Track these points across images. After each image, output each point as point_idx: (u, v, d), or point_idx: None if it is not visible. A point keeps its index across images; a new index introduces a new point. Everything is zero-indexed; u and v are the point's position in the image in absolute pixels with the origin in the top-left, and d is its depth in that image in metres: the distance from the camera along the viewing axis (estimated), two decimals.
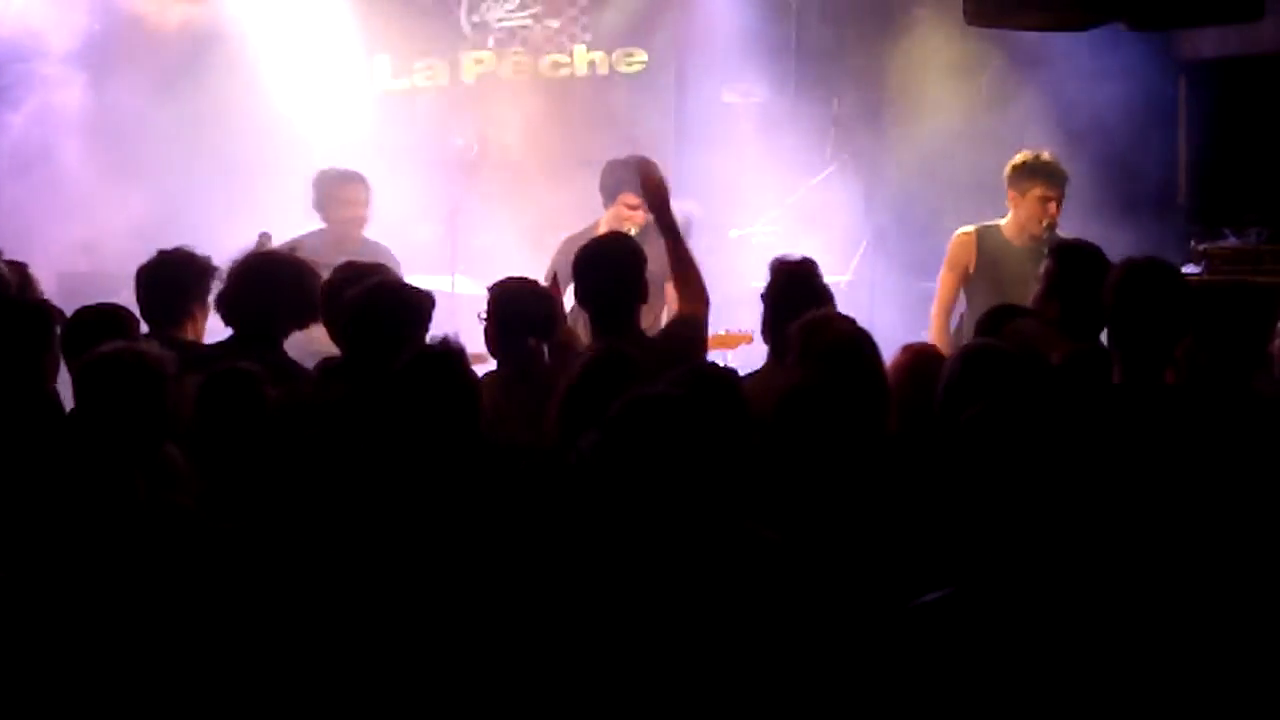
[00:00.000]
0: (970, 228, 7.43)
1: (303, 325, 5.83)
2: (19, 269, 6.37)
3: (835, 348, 4.88)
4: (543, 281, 6.11)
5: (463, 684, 3.61)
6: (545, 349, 5.56)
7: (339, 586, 3.72)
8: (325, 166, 8.04)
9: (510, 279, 5.73)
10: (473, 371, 4.68)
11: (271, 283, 5.69)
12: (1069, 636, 3.22)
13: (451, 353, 4.57)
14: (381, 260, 7.31)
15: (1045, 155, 7.35)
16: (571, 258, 5.79)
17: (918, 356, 5.12)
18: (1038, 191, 7.23)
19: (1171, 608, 3.46)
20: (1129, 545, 3.68)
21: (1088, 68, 9.38)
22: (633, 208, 7.57)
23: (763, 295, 5.69)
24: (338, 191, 7.86)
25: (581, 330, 5.97)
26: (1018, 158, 7.36)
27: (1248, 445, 4.37)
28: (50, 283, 6.61)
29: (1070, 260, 5.74)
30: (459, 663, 3.63)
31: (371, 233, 9.45)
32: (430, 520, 3.95)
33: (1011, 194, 7.33)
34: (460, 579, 3.73)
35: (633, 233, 7.23)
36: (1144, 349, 4.63)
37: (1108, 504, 3.52)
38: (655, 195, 5.94)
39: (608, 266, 5.62)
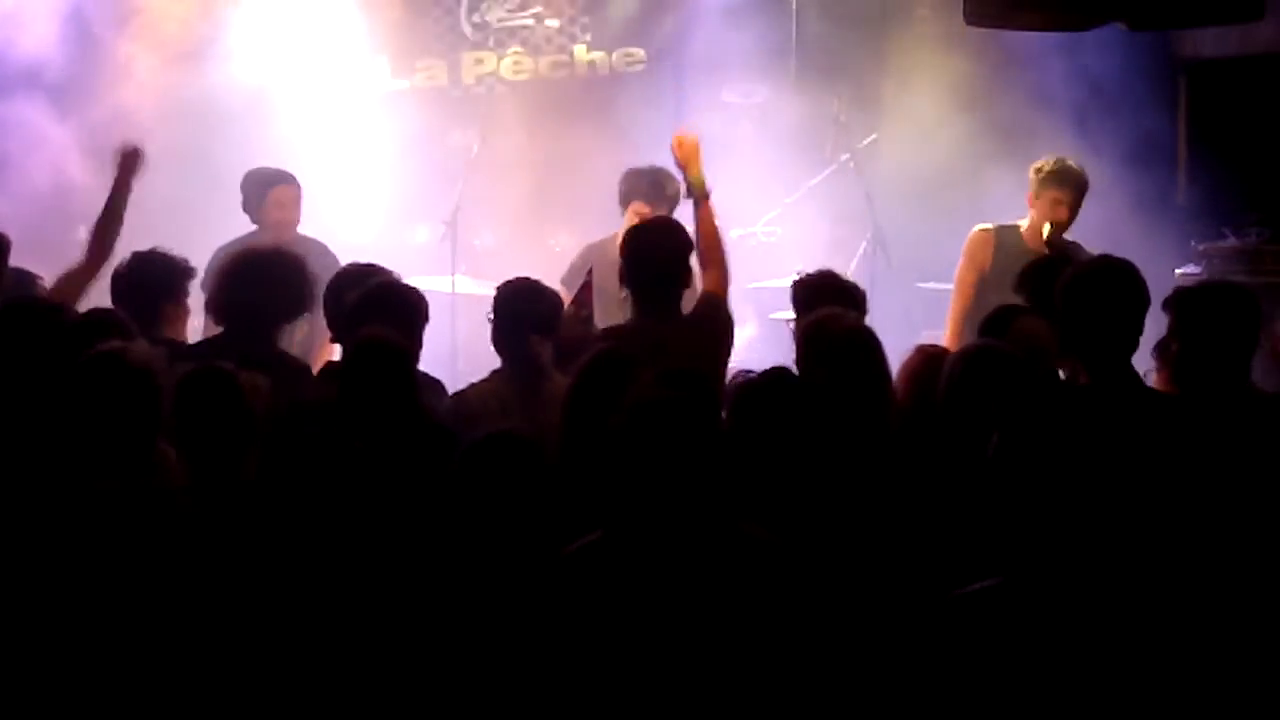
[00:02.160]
0: (989, 225, 7.36)
1: (294, 319, 5.85)
2: (30, 279, 6.39)
3: (837, 346, 4.86)
4: (558, 284, 6.18)
5: (456, 680, 3.61)
6: (548, 347, 5.59)
7: (335, 582, 3.73)
8: (254, 167, 7.90)
9: (515, 279, 5.78)
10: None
11: (261, 279, 5.69)
12: (1065, 637, 3.22)
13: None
14: (314, 259, 7.35)
15: (1070, 161, 7.33)
16: (590, 264, 5.84)
17: (930, 358, 5.12)
18: (1051, 195, 7.21)
19: (1169, 607, 3.46)
20: (1120, 546, 3.68)
21: (1087, 68, 9.38)
22: (643, 216, 7.55)
23: (792, 322, 5.73)
24: (266, 194, 7.71)
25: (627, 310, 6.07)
26: (1044, 162, 7.33)
27: (1248, 444, 4.37)
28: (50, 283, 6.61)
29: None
30: (451, 659, 3.63)
31: (372, 233, 9.46)
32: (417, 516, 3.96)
33: (1030, 195, 7.31)
34: (449, 576, 3.73)
35: None
36: (1099, 349, 4.59)
37: (1097, 504, 3.53)
38: (684, 152, 6.19)
39: (654, 251, 5.78)
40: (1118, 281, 4.65)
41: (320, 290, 5.84)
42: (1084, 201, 7.31)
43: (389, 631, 3.66)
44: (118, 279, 6.00)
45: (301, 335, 6.86)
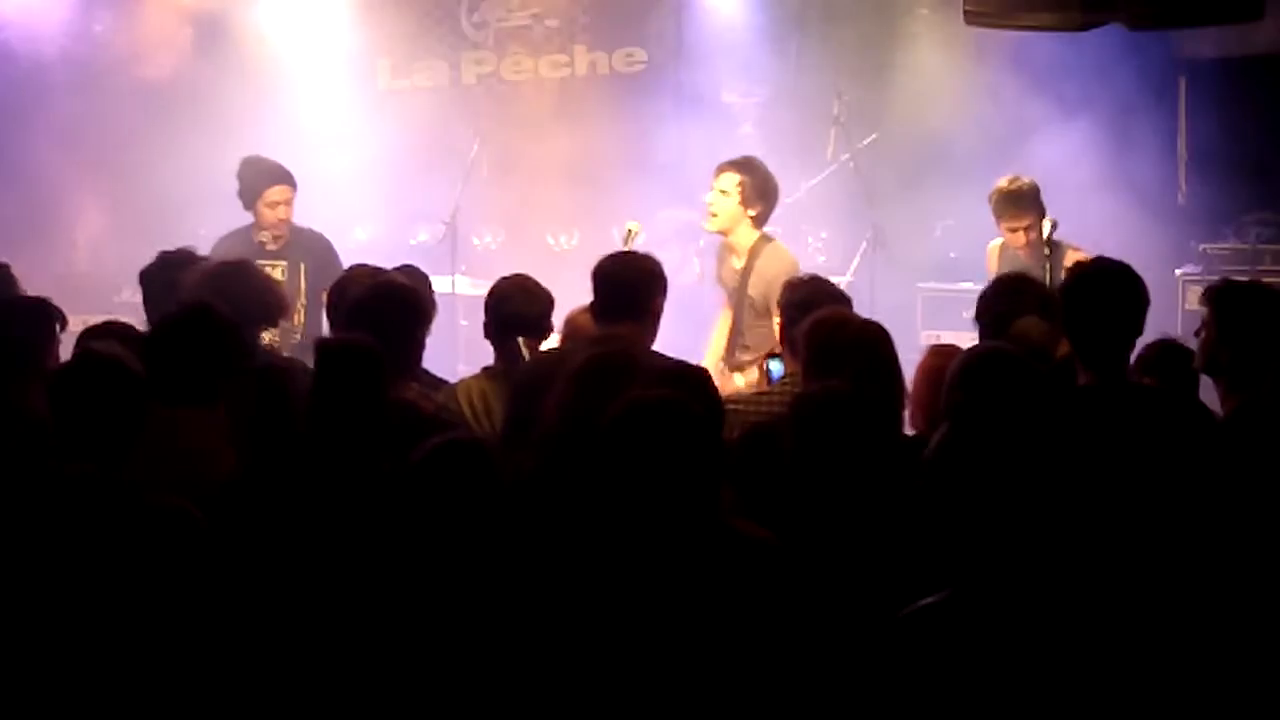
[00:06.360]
0: (997, 240, 7.36)
1: (268, 326, 5.81)
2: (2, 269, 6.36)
3: (850, 346, 4.82)
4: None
5: (454, 682, 3.61)
6: (532, 347, 5.54)
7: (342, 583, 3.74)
8: (250, 156, 7.76)
9: (509, 277, 5.75)
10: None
11: (231, 291, 5.59)
12: (1057, 639, 3.21)
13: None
14: (314, 250, 7.46)
15: (1008, 184, 7.19)
16: None
17: (944, 359, 5.09)
18: (1004, 225, 7.18)
19: (1166, 607, 3.46)
20: (1113, 546, 3.68)
21: (1088, 68, 9.38)
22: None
23: (780, 306, 5.66)
24: (263, 191, 7.59)
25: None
26: (991, 192, 7.27)
27: (1253, 443, 4.36)
28: (48, 283, 6.60)
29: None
30: (449, 661, 3.63)
31: (372, 233, 9.46)
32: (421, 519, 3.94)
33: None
34: (451, 578, 3.73)
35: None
36: (1101, 349, 4.59)
37: (1091, 504, 3.52)
38: None
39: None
40: (1113, 283, 4.66)
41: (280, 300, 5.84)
42: (1084, 203, 7.28)
43: (382, 632, 3.66)
44: (149, 281, 5.93)
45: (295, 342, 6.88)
